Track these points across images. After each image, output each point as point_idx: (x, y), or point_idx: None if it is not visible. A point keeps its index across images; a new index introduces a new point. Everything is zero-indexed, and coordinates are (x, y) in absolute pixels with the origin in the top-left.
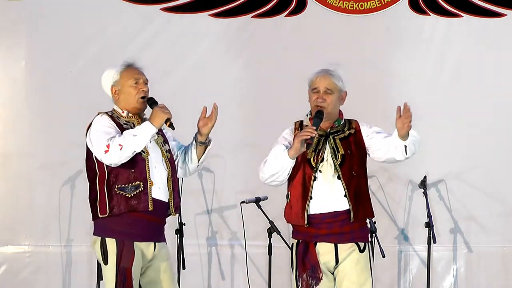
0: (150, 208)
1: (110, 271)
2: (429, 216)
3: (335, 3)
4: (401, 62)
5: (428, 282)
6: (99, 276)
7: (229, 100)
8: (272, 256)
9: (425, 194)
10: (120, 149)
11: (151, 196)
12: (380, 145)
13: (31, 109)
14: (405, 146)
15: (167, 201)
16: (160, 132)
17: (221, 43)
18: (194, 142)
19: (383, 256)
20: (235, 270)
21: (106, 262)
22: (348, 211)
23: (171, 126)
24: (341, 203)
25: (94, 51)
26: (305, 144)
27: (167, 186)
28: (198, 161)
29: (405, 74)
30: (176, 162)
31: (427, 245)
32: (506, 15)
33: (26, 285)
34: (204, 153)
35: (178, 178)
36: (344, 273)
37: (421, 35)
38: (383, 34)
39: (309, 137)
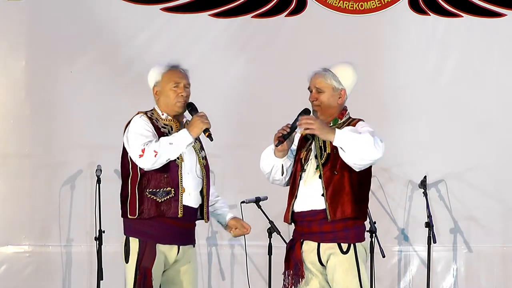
0: (180, 215)
1: (129, 270)
2: (429, 216)
3: (335, 3)
4: (401, 62)
5: (428, 282)
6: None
7: (229, 100)
8: (272, 256)
9: (425, 194)
10: (155, 156)
11: (181, 203)
12: None
13: (31, 109)
14: (341, 148)
15: (196, 207)
16: (197, 138)
17: (221, 43)
18: (220, 218)
19: (383, 256)
20: (235, 270)
21: (127, 261)
22: (325, 210)
23: (209, 137)
24: (319, 202)
25: (94, 51)
26: (277, 142)
27: (201, 192)
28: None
29: (405, 74)
30: None
31: (427, 245)
32: (506, 15)
33: (26, 285)
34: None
35: (209, 185)
36: (331, 276)
37: (421, 35)
38: (383, 34)
39: (281, 134)
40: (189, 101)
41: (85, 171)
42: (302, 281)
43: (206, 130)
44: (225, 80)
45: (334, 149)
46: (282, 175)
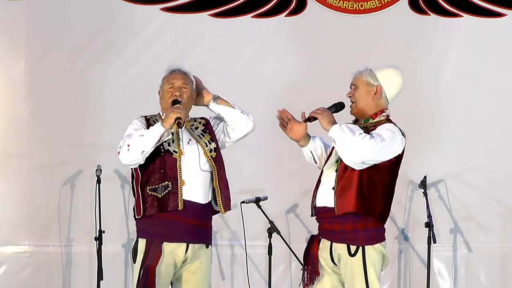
0: (180, 208)
1: (136, 269)
2: (429, 216)
3: (335, 3)
4: (401, 62)
5: (428, 282)
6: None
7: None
8: (272, 256)
9: (425, 194)
10: (128, 150)
11: (181, 196)
12: None
13: (31, 109)
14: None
15: (204, 202)
16: (207, 129)
17: (221, 43)
18: (216, 109)
19: None
20: (235, 270)
21: (134, 261)
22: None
23: (178, 124)
24: (330, 198)
25: (94, 51)
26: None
27: (213, 185)
28: (235, 108)
29: (405, 74)
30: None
31: (427, 245)
32: (506, 15)
33: (26, 285)
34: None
35: (226, 176)
36: (343, 275)
37: (421, 35)
38: (383, 34)
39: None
40: (176, 99)
41: (85, 171)
42: (317, 277)
43: (177, 119)
44: (225, 80)
45: None
46: (316, 164)
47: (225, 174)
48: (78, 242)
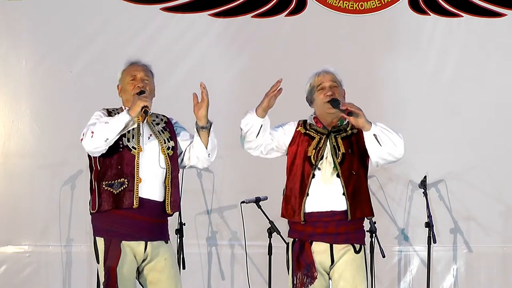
0: (135, 206)
1: (100, 270)
2: (429, 216)
3: (335, 3)
4: (401, 62)
5: (428, 282)
6: (99, 276)
7: (228, 100)
8: (272, 256)
9: (425, 194)
10: (92, 136)
11: (137, 193)
12: (366, 143)
13: (31, 109)
14: (375, 135)
15: (161, 200)
16: (168, 127)
17: (221, 43)
18: (196, 131)
19: (383, 256)
20: (235, 270)
21: (98, 261)
22: (345, 211)
23: (145, 112)
24: (339, 202)
25: (94, 51)
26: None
27: (165, 183)
28: (206, 148)
29: (405, 74)
30: (181, 158)
31: (427, 245)
32: (506, 15)
33: (26, 285)
34: (209, 138)
35: (178, 177)
36: (339, 273)
37: (421, 35)
38: (383, 34)
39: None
40: (141, 90)
41: (85, 171)
42: (314, 282)
43: (143, 107)
44: (225, 80)
45: (349, 149)
46: (256, 137)
47: (178, 176)
48: (78, 242)
